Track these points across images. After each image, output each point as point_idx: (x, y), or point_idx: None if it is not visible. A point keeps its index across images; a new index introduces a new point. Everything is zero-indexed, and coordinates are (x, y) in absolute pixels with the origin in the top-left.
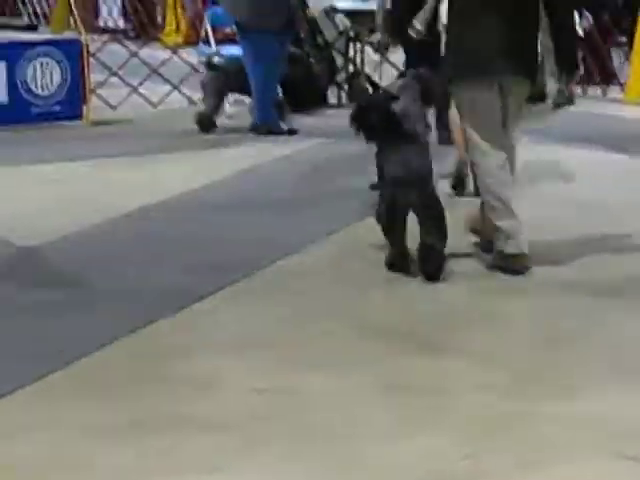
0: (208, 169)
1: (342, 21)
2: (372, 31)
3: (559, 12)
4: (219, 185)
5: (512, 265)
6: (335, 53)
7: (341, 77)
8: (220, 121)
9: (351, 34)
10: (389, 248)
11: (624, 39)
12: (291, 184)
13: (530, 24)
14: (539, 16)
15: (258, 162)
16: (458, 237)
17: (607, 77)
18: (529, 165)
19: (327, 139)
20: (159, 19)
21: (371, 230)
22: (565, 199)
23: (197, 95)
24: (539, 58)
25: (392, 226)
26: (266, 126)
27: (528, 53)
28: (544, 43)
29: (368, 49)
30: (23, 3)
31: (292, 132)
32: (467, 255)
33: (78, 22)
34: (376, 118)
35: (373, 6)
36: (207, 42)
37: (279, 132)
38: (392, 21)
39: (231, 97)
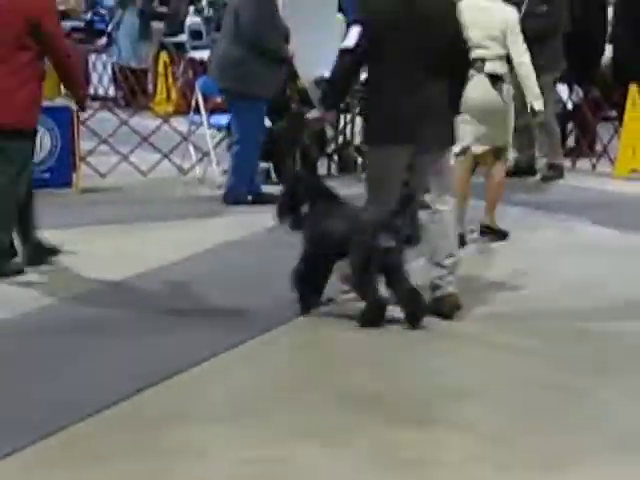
0: (197, 238)
1: None
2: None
3: (463, 71)
4: (207, 255)
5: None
6: (325, 124)
7: (331, 148)
8: (211, 191)
9: (342, 106)
10: (366, 305)
11: (614, 113)
12: (279, 255)
13: (439, 89)
14: (446, 82)
15: (249, 232)
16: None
17: (596, 151)
18: (518, 238)
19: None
20: (150, 87)
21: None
22: (550, 273)
23: (187, 164)
24: (453, 124)
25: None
26: (233, 195)
27: (440, 117)
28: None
29: (358, 120)
30: None
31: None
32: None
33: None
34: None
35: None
36: (197, 111)
37: (245, 202)
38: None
39: (220, 167)
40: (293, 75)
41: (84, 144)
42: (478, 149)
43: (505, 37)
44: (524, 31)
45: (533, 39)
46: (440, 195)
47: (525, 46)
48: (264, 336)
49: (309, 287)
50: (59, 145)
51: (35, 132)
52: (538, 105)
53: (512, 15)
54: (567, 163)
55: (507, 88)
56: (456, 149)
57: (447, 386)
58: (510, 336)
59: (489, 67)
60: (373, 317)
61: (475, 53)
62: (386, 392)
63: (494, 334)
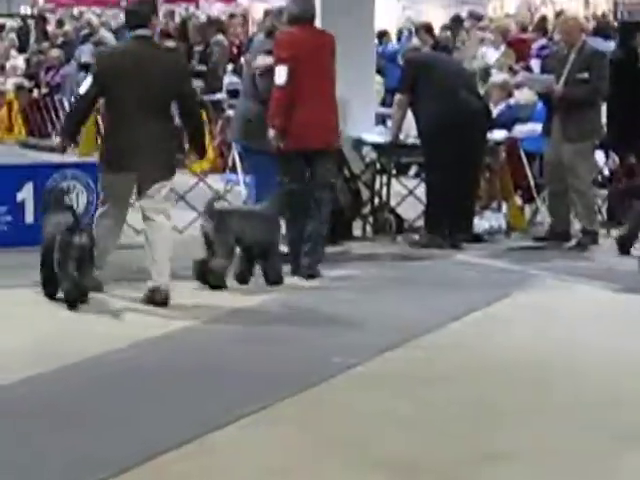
0: (231, 296)
1: (369, 154)
2: (398, 165)
3: (188, 105)
4: (243, 313)
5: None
6: (361, 185)
7: (366, 209)
8: None
9: (378, 167)
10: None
11: None
12: (312, 317)
13: (160, 129)
14: (167, 122)
15: (288, 291)
16: None
17: None
18: (550, 305)
19: (348, 271)
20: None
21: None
22: (583, 342)
23: None
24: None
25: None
26: None
27: (159, 151)
28: (575, 187)
29: (394, 182)
30: (52, 124)
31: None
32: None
33: None
34: None
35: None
36: (234, 170)
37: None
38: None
39: None
40: None
41: None
42: None
43: None
44: (565, 98)
45: (574, 106)
46: (155, 212)
47: None
48: (296, 397)
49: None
50: (95, 201)
51: None
52: None
53: None
54: (602, 230)
55: None
56: None
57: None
58: (543, 398)
59: None
60: (73, 297)
61: None
62: (420, 456)
63: (529, 396)
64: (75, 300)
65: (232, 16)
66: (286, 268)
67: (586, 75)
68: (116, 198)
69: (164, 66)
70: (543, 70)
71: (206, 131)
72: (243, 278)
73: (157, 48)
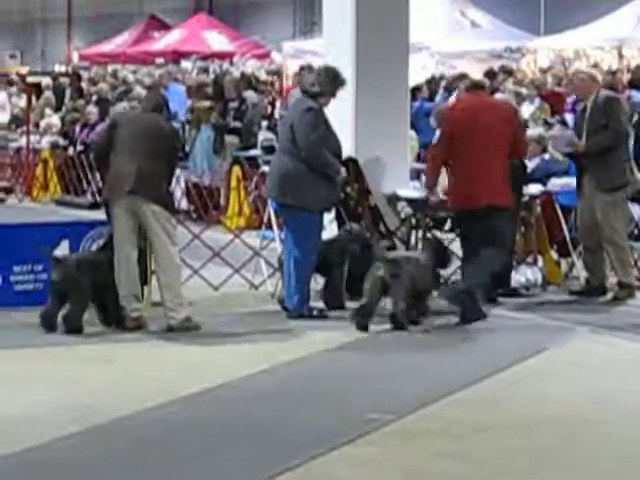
0: (264, 353)
1: (404, 209)
2: (434, 220)
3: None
4: (281, 369)
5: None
6: (397, 241)
7: None
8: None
9: (413, 222)
10: None
11: None
12: (348, 372)
13: (153, 160)
14: (170, 152)
15: (314, 349)
16: None
17: None
18: (584, 358)
19: (382, 326)
20: (222, 201)
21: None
22: (618, 396)
23: (258, 279)
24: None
25: None
26: (299, 311)
27: (150, 180)
28: (609, 239)
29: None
30: (87, 182)
31: (322, 316)
32: None
33: None
34: None
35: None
36: (269, 226)
37: (311, 316)
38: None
39: None
40: (366, 192)
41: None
42: None
43: None
44: (589, 150)
45: (598, 154)
46: None
47: None
48: (333, 453)
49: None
50: None
51: None
52: None
53: None
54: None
55: None
56: None
57: None
58: (577, 453)
59: None
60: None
61: None
62: None
63: (564, 450)
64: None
65: (267, 73)
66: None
67: (604, 121)
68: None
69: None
70: (576, 124)
71: (241, 187)
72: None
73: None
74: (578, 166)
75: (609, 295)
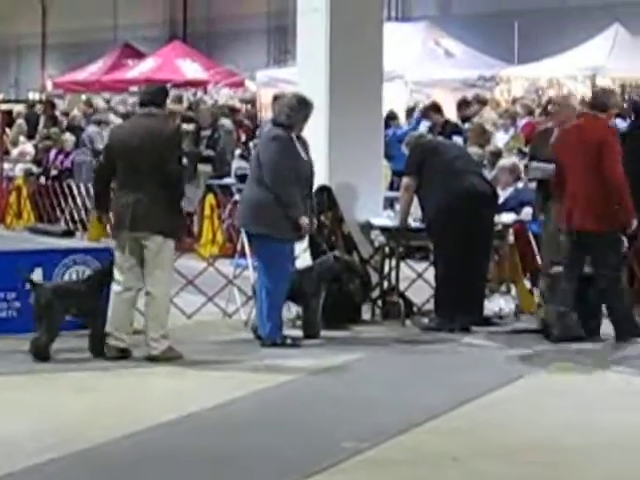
0: (238, 382)
1: (377, 237)
2: (407, 248)
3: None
4: (249, 398)
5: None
6: (370, 269)
7: (376, 293)
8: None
9: (386, 251)
10: None
11: None
12: (321, 401)
13: (152, 195)
14: (161, 187)
15: (288, 377)
16: None
17: None
18: (558, 385)
19: (357, 355)
20: (195, 229)
21: None
22: (595, 422)
23: (231, 307)
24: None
25: None
26: (272, 339)
27: (151, 210)
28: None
29: (403, 266)
30: (61, 209)
31: (296, 344)
32: None
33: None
34: None
35: (411, 223)
36: (243, 254)
37: (284, 344)
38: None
39: None
40: (340, 220)
41: None
42: None
43: None
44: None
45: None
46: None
47: None
48: None
49: None
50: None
51: None
52: None
53: None
54: None
55: None
56: None
57: None
58: None
59: None
60: None
61: None
62: None
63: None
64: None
65: (241, 101)
66: None
67: None
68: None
69: (152, 135)
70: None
71: (214, 216)
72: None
73: (153, 119)
74: (545, 193)
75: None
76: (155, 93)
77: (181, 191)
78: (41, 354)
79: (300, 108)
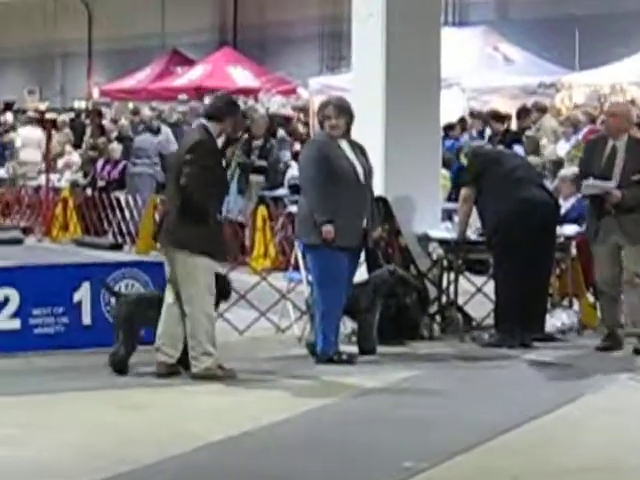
0: (290, 400)
1: (435, 250)
2: (467, 260)
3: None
4: (300, 418)
5: None
6: (428, 283)
7: (434, 308)
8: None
9: (445, 264)
10: None
11: None
12: (381, 420)
13: (175, 208)
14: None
15: (340, 396)
16: None
17: None
18: (621, 405)
19: (414, 372)
20: (247, 243)
21: None
22: None
23: (285, 322)
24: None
25: None
26: (326, 355)
27: (170, 222)
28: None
29: (462, 280)
30: (108, 221)
31: (351, 361)
32: None
33: None
34: None
35: (470, 235)
36: (297, 268)
37: (340, 361)
38: None
39: None
40: (397, 233)
41: None
42: None
43: None
44: (624, 197)
45: (631, 208)
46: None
47: None
48: None
49: None
50: None
51: None
52: None
53: None
54: None
55: None
56: None
57: None
58: None
59: None
60: None
61: None
62: None
63: None
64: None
65: (293, 109)
66: None
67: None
68: None
69: (181, 148)
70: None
71: (267, 228)
72: None
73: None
74: (599, 210)
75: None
76: (214, 106)
77: (198, 203)
78: (119, 366)
79: (340, 112)
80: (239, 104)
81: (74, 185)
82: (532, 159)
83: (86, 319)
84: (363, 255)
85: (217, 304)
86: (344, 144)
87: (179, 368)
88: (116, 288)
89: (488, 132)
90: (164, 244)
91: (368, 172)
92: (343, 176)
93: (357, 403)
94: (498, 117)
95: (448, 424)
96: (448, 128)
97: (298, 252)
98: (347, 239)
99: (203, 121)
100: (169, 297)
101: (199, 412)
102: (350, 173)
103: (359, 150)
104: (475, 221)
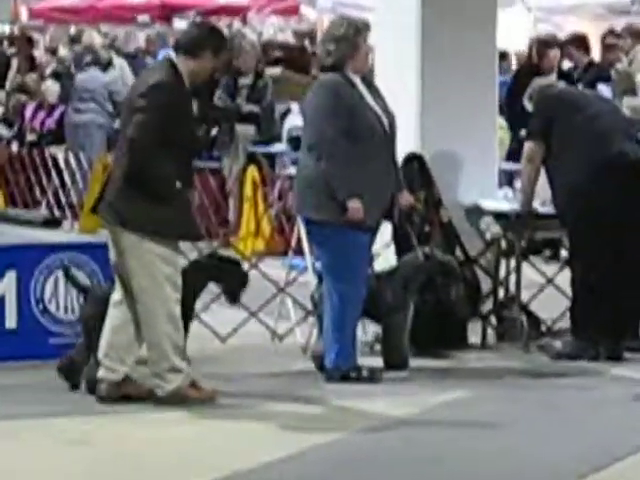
0: (295, 432)
1: (490, 227)
2: (533, 241)
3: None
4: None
5: None
6: (480, 272)
7: (488, 306)
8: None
9: (503, 246)
10: None
11: None
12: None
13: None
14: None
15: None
16: None
17: None
18: None
19: (459, 394)
20: (231, 217)
21: None
22: None
23: (283, 326)
24: None
25: None
26: (340, 371)
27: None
28: None
29: (526, 267)
30: (42, 189)
31: (374, 378)
32: None
33: None
34: None
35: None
36: (299, 252)
37: (358, 378)
38: None
39: None
40: (434, 203)
41: None
42: None
43: None
44: None
45: None
46: None
47: None
48: None
49: None
50: None
51: None
52: None
53: None
54: None
55: None
56: None
57: None
58: None
59: None
60: None
61: None
62: None
63: None
64: None
65: (296, 35)
66: None
67: None
68: None
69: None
70: None
71: (259, 197)
72: None
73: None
74: None
75: None
76: (188, 34)
77: (149, 166)
78: (91, 384)
79: (346, 35)
80: (224, 34)
81: None
82: (624, 102)
83: (10, 321)
84: (389, 233)
85: (235, 299)
86: (359, 84)
87: (129, 388)
88: (50, 279)
89: (566, 65)
90: (106, 220)
91: (392, 121)
92: (369, 132)
93: (380, 438)
94: (581, 42)
95: (503, 467)
96: (501, 58)
97: (302, 230)
98: (375, 215)
99: (171, 54)
100: (115, 293)
101: (159, 450)
102: (376, 127)
103: (375, 92)
104: (544, 187)
